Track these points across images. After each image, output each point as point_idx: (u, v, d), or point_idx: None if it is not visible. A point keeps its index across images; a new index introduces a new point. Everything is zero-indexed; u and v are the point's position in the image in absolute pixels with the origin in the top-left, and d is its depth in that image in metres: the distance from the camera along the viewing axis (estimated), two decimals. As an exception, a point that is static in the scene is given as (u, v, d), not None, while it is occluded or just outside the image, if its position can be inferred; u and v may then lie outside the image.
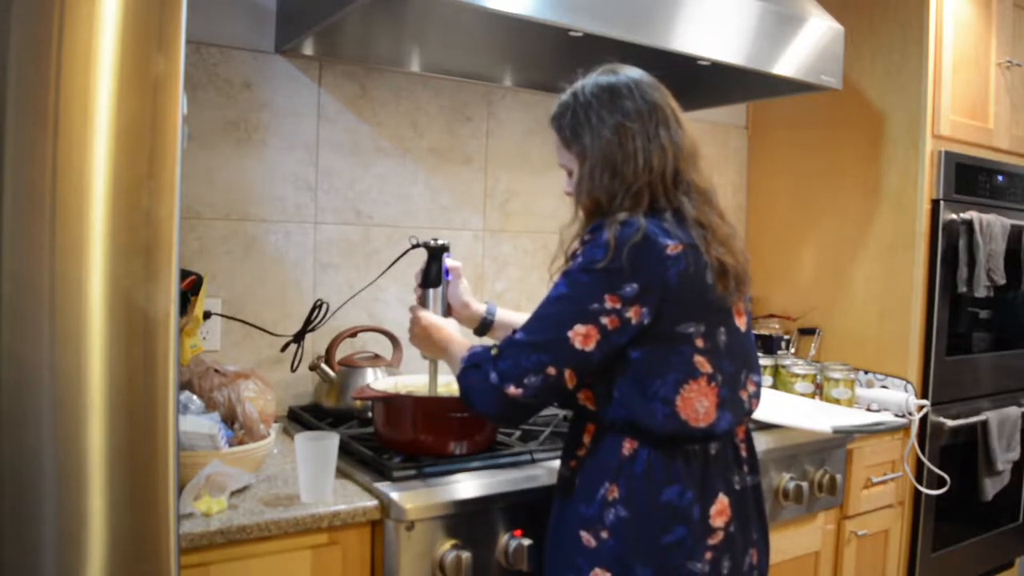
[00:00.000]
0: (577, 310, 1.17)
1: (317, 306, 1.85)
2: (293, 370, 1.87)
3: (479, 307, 1.56)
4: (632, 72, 1.29)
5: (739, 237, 1.29)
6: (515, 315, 1.57)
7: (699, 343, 1.21)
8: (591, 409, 1.25)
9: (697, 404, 1.21)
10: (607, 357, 1.19)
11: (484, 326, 1.56)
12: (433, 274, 1.50)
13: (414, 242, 1.53)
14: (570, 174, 1.31)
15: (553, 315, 1.19)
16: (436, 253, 1.51)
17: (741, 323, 1.30)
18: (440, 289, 1.51)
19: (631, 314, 1.17)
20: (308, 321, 1.85)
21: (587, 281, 1.18)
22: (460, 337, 1.40)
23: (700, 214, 1.24)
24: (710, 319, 1.23)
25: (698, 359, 1.21)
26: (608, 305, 1.16)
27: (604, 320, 1.17)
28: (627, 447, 1.22)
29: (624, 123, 1.23)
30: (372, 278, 2.01)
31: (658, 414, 1.19)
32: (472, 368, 1.24)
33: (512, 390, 1.18)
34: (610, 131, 1.23)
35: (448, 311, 1.54)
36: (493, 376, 1.20)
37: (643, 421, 1.20)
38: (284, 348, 1.86)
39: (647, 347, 1.19)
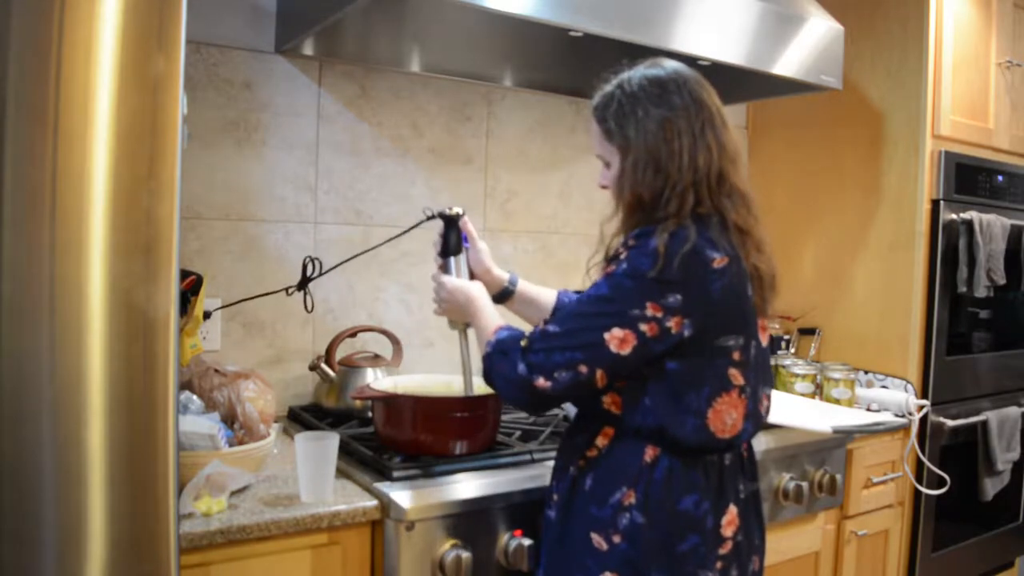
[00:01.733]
0: (617, 313, 1.15)
1: (305, 265, 1.80)
2: (309, 311, 1.83)
3: (502, 274, 1.52)
4: (679, 67, 1.26)
5: (771, 243, 1.27)
6: (538, 290, 1.54)
7: (735, 356, 1.21)
8: (615, 413, 1.23)
9: (726, 416, 1.20)
10: (642, 361, 1.17)
11: (504, 295, 1.52)
12: (452, 242, 1.45)
13: (428, 213, 1.48)
14: (607, 166, 1.29)
15: (591, 315, 1.17)
16: (453, 221, 1.46)
17: (764, 337, 1.30)
18: (461, 257, 1.46)
19: (672, 324, 1.15)
20: (304, 274, 1.80)
21: (631, 286, 1.15)
22: (491, 306, 1.36)
23: (739, 218, 1.22)
24: (747, 331, 1.22)
25: (732, 372, 1.21)
26: (650, 313, 1.14)
27: (643, 327, 1.15)
28: (649, 454, 1.20)
29: (670, 118, 1.20)
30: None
31: (688, 425, 1.19)
32: (500, 354, 1.23)
33: (541, 383, 1.17)
34: (656, 125, 1.21)
35: (471, 278, 1.48)
36: (521, 367, 1.18)
37: (672, 430, 1.19)
38: (290, 292, 1.82)
39: (685, 359, 1.18)
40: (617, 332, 1.15)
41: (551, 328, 1.19)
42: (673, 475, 1.20)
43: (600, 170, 1.31)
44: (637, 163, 1.22)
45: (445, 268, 1.45)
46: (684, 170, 1.19)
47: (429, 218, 1.49)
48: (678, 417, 1.18)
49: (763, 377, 1.30)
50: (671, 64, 1.27)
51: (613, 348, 1.15)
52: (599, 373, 1.16)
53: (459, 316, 1.41)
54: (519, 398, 1.21)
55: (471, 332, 1.41)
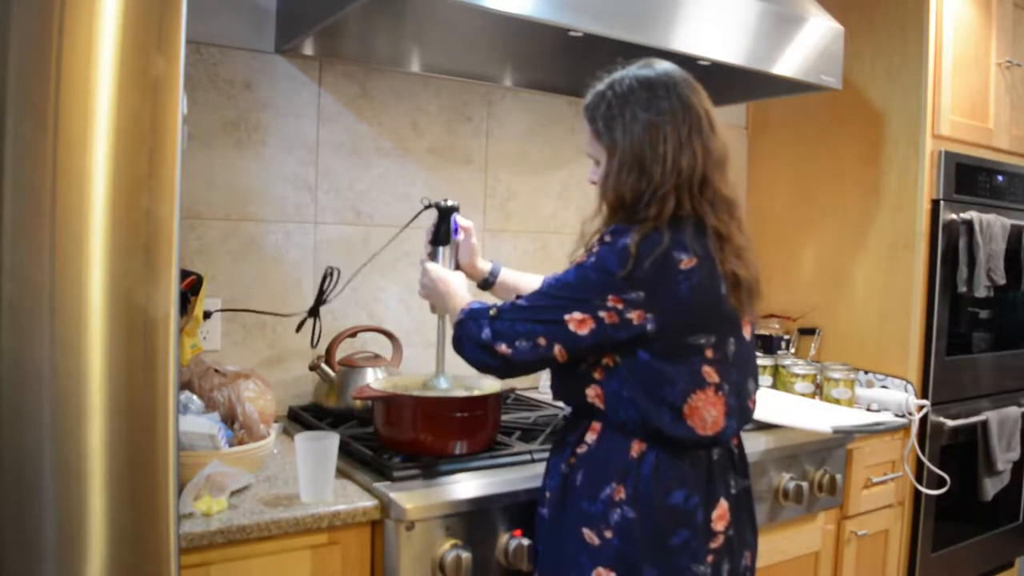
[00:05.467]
0: (578, 299, 1.20)
1: (328, 274, 1.86)
2: (313, 345, 1.88)
3: (484, 265, 1.61)
4: (671, 69, 1.27)
5: (753, 249, 1.28)
6: (519, 276, 1.62)
7: (709, 354, 1.22)
8: (600, 408, 1.25)
9: (705, 413, 1.22)
10: (604, 345, 1.20)
11: (486, 284, 1.62)
12: (443, 232, 1.57)
13: (426, 203, 1.59)
14: (597, 163, 1.31)
15: (555, 297, 1.23)
16: (446, 213, 1.57)
17: (747, 333, 1.31)
18: (450, 247, 1.57)
19: (633, 316, 1.18)
20: (321, 292, 1.85)
21: (595, 280, 1.19)
22: (465, 292, 1.44)
23: (720, 223, 1.23)
24: (721, 330, 1.23)
25: (706, 369, 1.22)
26: (610, 304, 1.18)
27: (602, 314, 1.19)
28: (635, 448, 1.22)
29: (657, 122, 1.22)
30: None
31: (665, 417, 1.20)
32: (470, 320, 1.30)
33: (503, 348, 1.24)
34: (642, 129, 1.22)
35: (457, 268, 1.59)
36: (486, 332, 1.25)
37: (654, 422, 1.20)
38: (299, 328, 1.87)
39: (658, 354, 1.20)
40: (576, 315, 1.20)
41: (521, 302, 1.26)
42: (660, 469, 1.21)
43: (591, 166, 1.33)
44: (622, 165, 1.24)
45: (433, 256, 1.57)
46: (667, 174, 1.21)
47: (426, 207, 1.59)
48: (656, 408, 1.20)
49: (749, 371, 1.31)
50: (663, 65, 1.27)
51: (572, 328, 1.20)
52: (557, 348, 1.21)
53: (438, 302, 1.50)
54: (481, 360, 1.28)
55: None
